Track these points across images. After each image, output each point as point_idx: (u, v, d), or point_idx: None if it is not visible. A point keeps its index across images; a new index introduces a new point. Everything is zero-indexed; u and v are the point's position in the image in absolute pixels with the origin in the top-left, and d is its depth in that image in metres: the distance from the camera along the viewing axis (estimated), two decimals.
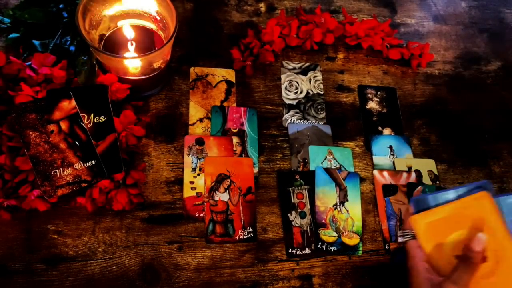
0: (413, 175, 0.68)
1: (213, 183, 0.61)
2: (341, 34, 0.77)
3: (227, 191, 0.61)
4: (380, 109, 0.73)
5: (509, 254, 0.44)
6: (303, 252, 0.60)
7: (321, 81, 0.74)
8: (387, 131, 0.72)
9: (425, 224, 0.46)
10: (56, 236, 0.54)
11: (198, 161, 0.62)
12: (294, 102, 0.71)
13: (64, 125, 0.53)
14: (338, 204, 0.63)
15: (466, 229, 0.45)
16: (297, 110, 0.70)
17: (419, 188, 0.66)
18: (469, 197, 0.45)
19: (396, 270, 0.61)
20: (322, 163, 0.66)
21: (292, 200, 0.62)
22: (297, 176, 0.64)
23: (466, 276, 0.41)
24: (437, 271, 0.45)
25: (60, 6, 0.62)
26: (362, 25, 0.76)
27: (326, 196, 0.63)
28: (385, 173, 0.67)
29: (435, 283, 0.43)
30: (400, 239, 0.49)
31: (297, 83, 0.72)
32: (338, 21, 0.77)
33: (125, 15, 0.62)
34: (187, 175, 0.61)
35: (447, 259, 0.45)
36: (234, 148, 0.64)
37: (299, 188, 0.63)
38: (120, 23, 0.62)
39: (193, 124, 0.65)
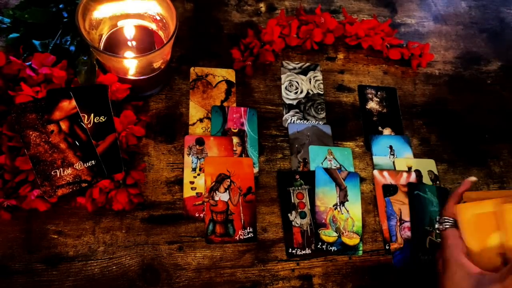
0: (413, 175, 0.68)
1: (213, 183, 0.61)
2: (341, 34, 0.77)
3: (227, 191, 0.61)
4: (380, 109, 0.73)
5: None
6: (303, 252, 0.60)
7: (321, 81, 0.74)
8: (387, 131, 0.71)
9: (472, 215, 0.42)
10: (56, 236, 0.54)
11: (198, 161, 0.62)
12: (294, 102, 0.71)
13: (64, 125, 0.53)
14: (338, 204, 0.63)
15: None
16: (297, 110, 0.70)
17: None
18: None
19: (398, 270, 0.61)
20: (322, 163, 0.66)
21: (292, 200, 0.62)
22: (297, 176, 0.64)
23: None
24: (476, 265, 0.41)
25: (60, 6, 0.62)
26: (362, 25, 0.76)
27: (326, 196, 0.63)
28: (385, 173, 0.67)
29: (484, 282, 0.39)
30: (437, 226, 0.45)
31: (297, 83, 0.72)
32: (338, 21, 0.77)
33: (125, 15, 0.62)
34: (187, 175, 0.61)
35: (488, 255, 0.41)
36: (234, 148, 0.64)
37: (299, 188, 0.63)
38: (120, 23, 0.62)
39: (193, 124, 0.65)
